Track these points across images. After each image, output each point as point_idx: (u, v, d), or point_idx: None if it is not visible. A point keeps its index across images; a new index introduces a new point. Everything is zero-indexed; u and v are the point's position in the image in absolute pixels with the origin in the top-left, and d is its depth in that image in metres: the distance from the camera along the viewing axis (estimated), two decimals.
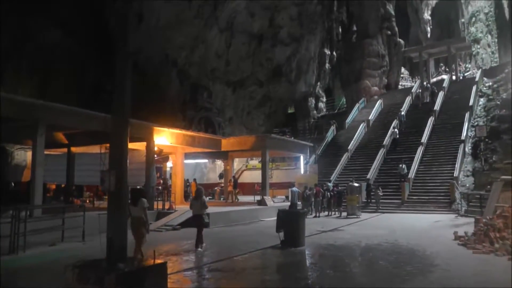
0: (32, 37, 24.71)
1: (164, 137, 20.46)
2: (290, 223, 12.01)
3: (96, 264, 6.32)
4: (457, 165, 24.75)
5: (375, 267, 9.31)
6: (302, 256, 11.09)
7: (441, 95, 34.66)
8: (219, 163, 34.61)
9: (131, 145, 20.86)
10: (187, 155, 27.01)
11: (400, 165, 25.51)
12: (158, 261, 6.67)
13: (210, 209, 18.79)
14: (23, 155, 26.26)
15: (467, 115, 29.55)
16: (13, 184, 24.24)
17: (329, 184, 25.69)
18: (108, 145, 21.00)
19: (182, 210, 18.57)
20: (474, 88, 33.05)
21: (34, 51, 24.67)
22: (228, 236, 13.80)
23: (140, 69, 29.39)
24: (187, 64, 31.93)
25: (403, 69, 48.94)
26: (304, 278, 8.46)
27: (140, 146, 20.09)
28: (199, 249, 11.29)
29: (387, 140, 30.74)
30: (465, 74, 43.87)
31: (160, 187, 24.76)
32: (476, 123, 29.21)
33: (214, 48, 33.29)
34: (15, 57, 23.85)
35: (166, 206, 19.65)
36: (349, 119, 37.75)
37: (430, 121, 30.78)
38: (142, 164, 19.64)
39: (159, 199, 21.21)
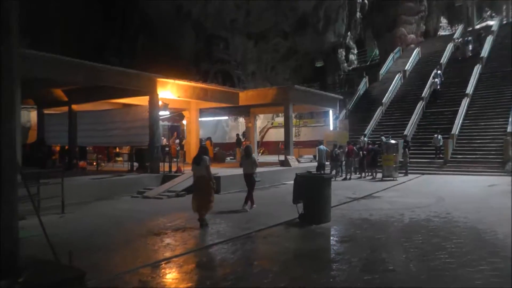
0: None
1: (169, 91, 17.83)
2: (311, 191, 9.23)
3: None
4: (511, 119, 21.31)
5: (433, 265, 6.22)
6: (325, 239, 8.33)
7: (489, 40, 30.53)
8: (242, 120, 32.01)
9: (132, 100, 18.61)
10: (204, 112, 24.48)
11: (435, 136, 22.04)
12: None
13: (224, 172, 16.56)
14: (27, 116, 24.32)
15: None
16: None
17: (365, 139, 22.79)
18: (111, 101, 19.03)
19: (190, 173, 16.09)
20: None
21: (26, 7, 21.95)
22: (237, 206, 11.20)
23: (151, 23, 26.74)
24: (203, 16, 28.86)
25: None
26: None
27: (142, 101, 17.64)
28: (247, 209, 10.90)
29: (426, 92, 27.52)
30: None
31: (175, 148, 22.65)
32: None
33: None
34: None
35: (174, 168, 17.16)
36: (383, 70, 34.33)
37: (477, 69, 27.05)
38: (145, 121, 17.20)
39: (177, 159, 19.16)
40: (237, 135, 27.13)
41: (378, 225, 9.12)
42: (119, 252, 7.25)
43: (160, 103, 17.62)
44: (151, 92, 17.05)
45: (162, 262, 6.49)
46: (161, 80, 17.37)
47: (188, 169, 17.22)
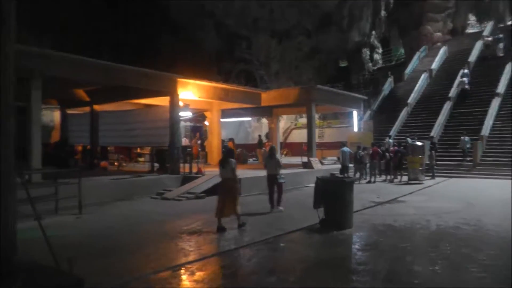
0: None
1: (191, 91, 17.62)
2: (332, 196, 8.83)
3: None
4: None
5: (464, 279, 5.75)
6: (346, 247, 7.87)
7: None
8: (265, 121, 31.67)
9: (153, 101, 18.46)
10: (227, 113, 24.22)
11: (462, 138, 21.17)
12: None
13: (245, 174, 16.21)
14: (50, 116, 24.50)
15: None
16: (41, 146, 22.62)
17: (390, 141, 22.15)
18: (132, 101, 18.92)
19: (210, 174, 15.88)
20: None
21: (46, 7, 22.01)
22: (258, 209, 10.85)
23: (173, 22, 26.59)
24: (226, 15, 28.59)
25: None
26: None
27: (163, 101, 17.44)
28: (281, 208, 10.99)
29: (453, 92, 26.62)
30: None
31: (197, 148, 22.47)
32: None
33: None
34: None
35: (194, 170, 16.92)
36: (408, 70, 33.44)
37: (509, 68, 26.02)
38: (166, 121, 17.03)
39: (198, 160, 19.01)
40: (259, 136, 26.78)
41: (403, 232, 8.65)
42: (130, 257, 6.97)
43: (180, 103, 17.45)
44: (171, 92, 16.87)
45: (174, 269, 6.18)
46: (181, 80, 17.18)
47: (209, 170, 17.04)
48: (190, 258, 6.78)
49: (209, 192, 14.11)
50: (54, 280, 4.06)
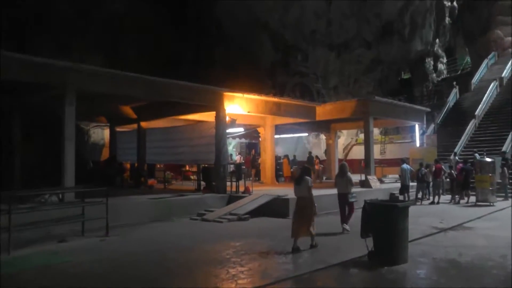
0: (95, 4, 22.06)
1: (238, 105, 16.75)
2: (382, 223, 7.50)
3: None
4: None
5: None
6: None
7: None
8: (324, 137, 30.31)
9: (200, 116, 17.76)
10: (281, 128, 23.27)
11: None
12: None
13: (291, 193, 14.96)
14: (101, 133, 24.65)
15: None
16: (91, 164, 22.71)
17: (456, 158, 20.24)
18: (178, 117, 18.42)
19: (257, 193, 14.90)
20: None
21: (98, 22, 22.08)
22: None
23: (228, 34, 26.06)
24: (281, 27, 27.71)
25: None
26: None
27: (210, 116, 16.67)
28: (347, 227, 10.50)
29: None
30: None
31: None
32: None
33: (312, 6, 28.46)
34: (79, 30, 21.39)
35: (241, 189, 15.94)
36: (475, 79, 31.16)
37: None
38: (212, 138, 16.28)
39: (250, 178, 18.45)
40: (309, 153, 25.56)
41: (470, 271, 7.14)
42: None
43: (227, 118, 16.63)
44: (217, 107, 16.16)
45: None
46: (228, 94, 16.40)
47: (258, 189, 16.05)
48: None
49: (255, 213, 13.18)
50: None
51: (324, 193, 14.30)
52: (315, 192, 10.20)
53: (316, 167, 23.52)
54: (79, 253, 8.30)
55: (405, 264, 7.28)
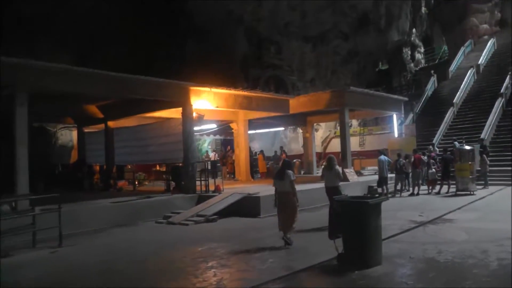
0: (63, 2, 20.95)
1: (206, 100, 15.90)
2: (352, 222, 6.78)
3: None
4: None
5: None
6: None
7: None
8: (301, 131, 29.64)
9: (168, 113, 16.84)
10: (256, 123, 22.52)
11: None
12: None
13: (265, 190, 14.20)
14: (69, 135, 23.58)
15: None
16: (60, 167, 21.70)
17: (430, 147, 20.00)
18: (145, 114, 17.52)
19: (227, 192, 14.13)
20: None
21: (66, 20, 20.97)
22: (273, 234, 8.87)
23: (200, 28, 25.14)
24: (255, 20, 26.92)
25: None
26: None
27: (177, 113, 15.83)
28: None
29: (505, 87, 24.10)
30: None
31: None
32: None
33: None
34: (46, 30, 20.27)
35: (211, 188, 15.11)
36: (452, 67, 31.00)
37: None
38: (179, 135, 15.45)
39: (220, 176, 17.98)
40: (281, 147, 24.95)
41: (451, 271, 6.42)
42: None
43: (194, 114, 15.77)
44: (183, 102, 15.31)
45: None
46: (194, 88, 15.53)
47: (230, 188, 15.27)
48: None
49: (224, 213, 12.43)
50: None
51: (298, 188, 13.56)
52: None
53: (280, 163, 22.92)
54: (21, 269, 7.46)
55: (378, 267, 6.53)
